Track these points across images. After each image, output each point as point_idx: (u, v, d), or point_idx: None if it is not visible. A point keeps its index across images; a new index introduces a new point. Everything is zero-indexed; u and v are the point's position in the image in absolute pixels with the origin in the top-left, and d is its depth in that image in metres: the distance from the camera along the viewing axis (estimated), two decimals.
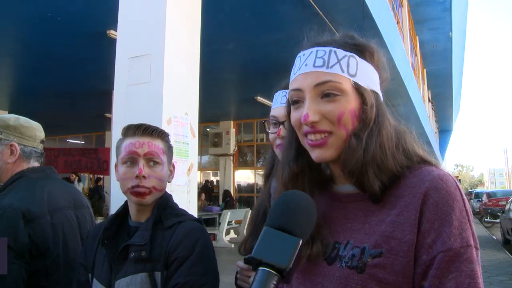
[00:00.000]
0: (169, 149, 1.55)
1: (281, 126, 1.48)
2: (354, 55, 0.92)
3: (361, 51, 0.94)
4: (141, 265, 1.37)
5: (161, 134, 1.52)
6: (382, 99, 0.96)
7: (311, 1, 5.27)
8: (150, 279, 1.34)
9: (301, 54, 0.96)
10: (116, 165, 1.50)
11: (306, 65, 0.92)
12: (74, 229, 1.76)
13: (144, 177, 1.42)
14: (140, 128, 1.48)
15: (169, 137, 1.57)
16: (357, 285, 0.82)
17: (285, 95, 1.51)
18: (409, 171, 0.89)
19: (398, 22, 11.56)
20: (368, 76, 0.93)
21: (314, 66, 0.91)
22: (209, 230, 10.22)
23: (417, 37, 17.70)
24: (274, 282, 0.69)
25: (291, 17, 5.93)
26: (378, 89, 0.95)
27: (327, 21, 5.65)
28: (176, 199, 2.92)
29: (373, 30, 6.40)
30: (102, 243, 1.46)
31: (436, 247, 0.79)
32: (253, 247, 0.74)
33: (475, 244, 0.81)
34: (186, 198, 3.00)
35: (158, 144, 1.48)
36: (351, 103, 0.89)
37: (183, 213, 1.52)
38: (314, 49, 0.93)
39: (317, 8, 5.45)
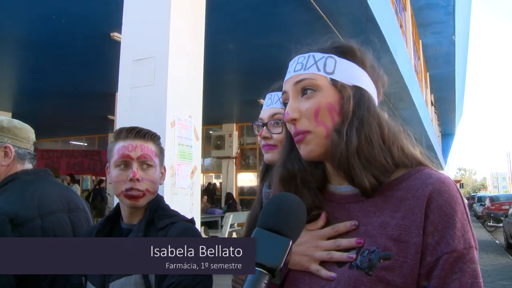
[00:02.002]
0: (160, 152, 1.56)
1: (264, 127, 1.50)
2: (333, 55, 0.97)
3: (342, 52, 0.98)
4: None
5: (153, 137, 1.53)
6: (372, 95, 0.97)
7: (315, 4, 5.28)
8: (144, 280, 1.34)
9: (289, 63, 1.03)
10: (107, 168, 1.51)
11: (289, 72, 1.00)
12: (67, 233, 1.71)
13: (138, 180, 1.43)
14: (132, 131, 1.49)
15: (161, 139, 1.59)
16: (365, 287, 0.83)
17: (270, 98, 1.55)
18: (409, 174, 0.90)
19: (401, 26, 11.56)
20: (348, 73, 0.96)
21: (294, 71, 0.98)
22: (212, 233, 10.22)
23: (420, 41, 17.71)
24: (265, 282, 0.72)
25: (295, 19, 5.94)
26: (365, 85, 0.97)
27: (330, 24, 5.66)
28: (180, 202, 2.95)
29: (376, 33, 6.41)
30: None
31: (440, 249, 0.81)
32: None
33: (475, 245, 0.84)
34: (190, 201, 3.00)
35: (150, 147, 1.50)
36: (328, 98, 0.93)
37: (175, 214, 1.53)
38: (297, 57, 1.01)
39: (320, 11, 5.46)
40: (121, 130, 1.50)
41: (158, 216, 1.47)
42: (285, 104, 1.00)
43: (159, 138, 1.57)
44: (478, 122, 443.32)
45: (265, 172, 1.59)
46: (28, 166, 1.79)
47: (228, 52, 7.22)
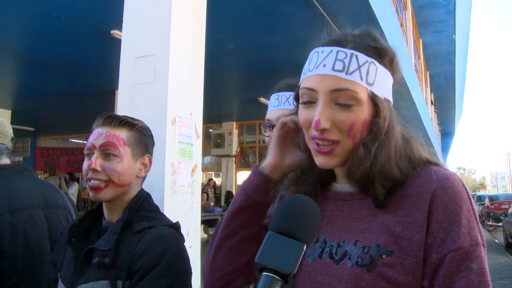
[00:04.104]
0: (137, 140, 1.41)
1: (274, 129, 1.47)
2: (375, 61, 0.90)
3: (381, 56, 0.91)
4: (104, 272, 1.25)
5: (125, 124, 1.39)
6: (392, 104, 0.95)
7: (316, 3, 5.26)
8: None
9: (319, 50, 0.91)
10: None
11: (324, 65, 0.88)
12: (41, 231, 1.65)
13: (96, 170, 1.32)
14: (102, 117, 1.40)
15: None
16: (367, 284, 0.82)
17: (277, 98, 1.50)
18: (414, 171, 0.89)
19: (401, 25, 11.54)
20: (384, 84, 0.91)
21: (333, 69, 0.87)
22: (211, 231, 10.23)
23: (421, 40, 17.67)
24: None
25: (296, 18, 5.91)
26: (390, 96, 0.94)
27: (332, 23, 5.64)
28: (180, 200, 2.93)
29: (377, 32, 6.38)
30: (69, 242, 1.35)
31: (445, 246, 0.80)
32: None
33: (483, 242, 0.82)
34: (190, 199, 2.99)
35: (119, 134, 1.36)
36: (364, 113, 0.88)
37: (158, 216, 1.39)
38: (335, 49, 0.89)
39: (322, 10, 5.44)
40: (98, 117, 1.42)
41: (137, 218, 1.34)
42: (306, 102, 0.91)
43: (136, 126, 1.43)
44: (478, 121, 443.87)
45: None
46: (6, 161, 1.75)
47: (229, 50, 7.19)
